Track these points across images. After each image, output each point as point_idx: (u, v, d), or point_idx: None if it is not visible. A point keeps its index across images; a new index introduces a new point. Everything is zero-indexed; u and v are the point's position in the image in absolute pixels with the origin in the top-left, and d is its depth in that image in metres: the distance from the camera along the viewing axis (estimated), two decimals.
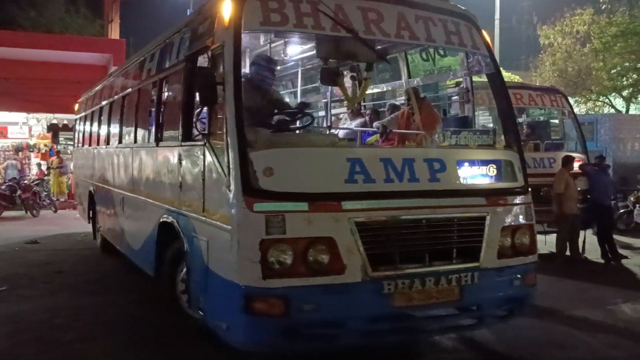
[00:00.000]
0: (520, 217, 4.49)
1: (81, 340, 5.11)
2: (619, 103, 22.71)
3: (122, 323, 5.65)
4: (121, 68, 8.33)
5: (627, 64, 21.00)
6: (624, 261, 8.99)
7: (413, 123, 5.39)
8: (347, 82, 5.59)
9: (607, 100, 22.73)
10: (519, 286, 4.38)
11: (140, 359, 4.78)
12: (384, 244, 3.84)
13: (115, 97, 8.00)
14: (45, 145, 18.96)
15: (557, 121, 12.24)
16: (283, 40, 5.13)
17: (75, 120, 12.82)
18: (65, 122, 18.11)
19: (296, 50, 5.65)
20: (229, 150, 3.81)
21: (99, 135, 9.28)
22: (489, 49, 4.94)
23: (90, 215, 10.12)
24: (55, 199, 16.77)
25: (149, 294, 6.43)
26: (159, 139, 5.65)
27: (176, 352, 4.82)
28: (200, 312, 4.43)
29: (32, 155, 18.82)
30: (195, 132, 4.49)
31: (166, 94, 5.57)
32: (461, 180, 4.28)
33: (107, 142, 8.43)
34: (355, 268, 3.74)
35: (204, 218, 4.29)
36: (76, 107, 12.45)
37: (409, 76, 6.17)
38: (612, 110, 21.66)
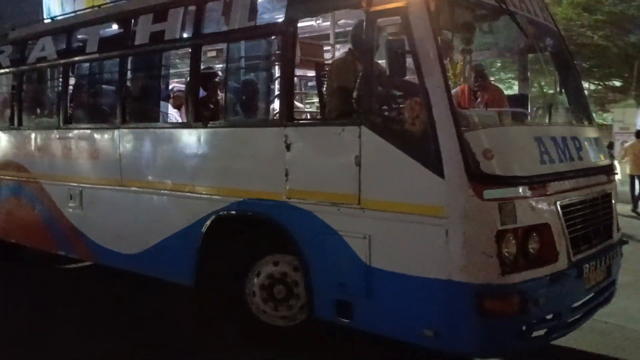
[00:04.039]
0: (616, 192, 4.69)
1: None
2: None
3: None
4: (52, 27, 6.49)
5: None
6: None
7: (476, 101, 5.25)
8: None
9: None
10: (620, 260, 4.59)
11: None
12: (576, 225, 3.70)
13: (43, 64, 6.33)
14: None
15: None
16: None
17: None
18: None
19: None
20: (440, 131, 3.26)
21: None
22: (556, 25, 5.01)
23: None
24: None
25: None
26: (205, 119, 4.63)
27: None
28: (345, 320, 3.81)
29: None
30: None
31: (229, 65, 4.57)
32: (591, 158, 4.31)
33: (19, 122, 6.66)
34: (564, 254, 3.54)
35: (361, 211, 3.64)
36: None
37: None
38: None
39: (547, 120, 4.38)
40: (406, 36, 3.41)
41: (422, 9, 3.37)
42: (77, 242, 6.00)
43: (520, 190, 3.37)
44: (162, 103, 5.29)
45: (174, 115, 5.49)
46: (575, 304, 3.70)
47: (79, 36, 6.00)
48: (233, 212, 4.43)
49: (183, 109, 5.53)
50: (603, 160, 4.56)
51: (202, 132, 4.64)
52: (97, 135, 5.68)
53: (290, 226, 4.04)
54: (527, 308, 3.27)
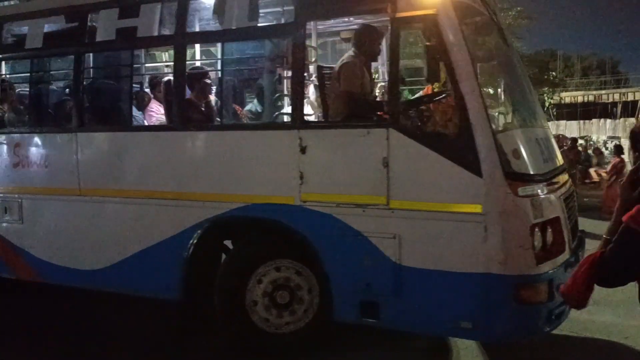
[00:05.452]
0: None
1: None
2: None
3: None
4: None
5: None
6: None
7: None
8: None
9: None
10: None
11: None
12: (569, 218, 4.09)
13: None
14: None
15: None
16: None
17: None
18: None
19: None
20: (477, 133, 3.45)
21: None
22: None
23: None
24: None
25: None
26: (195, 121, 4.42)
27: None
28: (371, 320, 3.86)
29: None
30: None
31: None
32: (559, 156, 4.75)
33: None
34: (567, 244, 3.88)
35: (389, 211, 3.71)
36: None
37: None
38: None
39: (527, 123, 4.76)
40: (437, 43, 3.55)
41: (452, 17, 3.53)
42: (14, 260, 5.36)
43: (542, 186, 3.67)
44: (131, 104, 4.89)
45: (139, 117, 5.12)
46: None
47: (18, 28, 5.37)
48: (233, 219, 4.26)
49: (148, 111, 5.20)
50: (562, 159, 5.07)
51: (193, 136, 4.40)
52: (45, 141, 5.11)
53: (304, 230, 3.99)
54: (552, 294, 3.57)
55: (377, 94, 4.51)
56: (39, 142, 5.14)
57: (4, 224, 5.35)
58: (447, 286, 3.60)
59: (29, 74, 5.34)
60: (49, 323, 5.15)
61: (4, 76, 5.44)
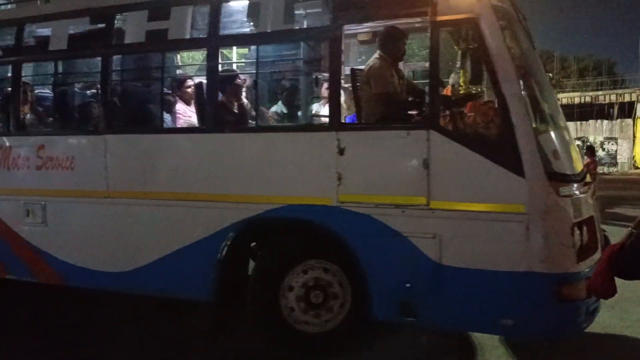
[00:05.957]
0: None
1: None
2: None
3: None
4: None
5: None
6: None
7: None
8: None
9: None
10: None
11: None
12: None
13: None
14: None
15: None
16: None
17: None
18: None
19: None
20: (519, 134, 3.50)
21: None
22: None
23: None
24: None
25: None
26: (228, 124, 4.44)
27: None
28: (409, 318, 3.90)
29: None
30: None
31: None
32: (579, 158, 4.77)
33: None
34: (599, 242, 3.95)
35: (430, 212, 3.76)
36: None
37: None
38: None
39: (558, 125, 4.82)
40: (478, 46, 3.61)
41: (492, 20, 3.59)
42: (37, 264, 5.32)
43: (579, 186, 3.74)
44: (162, 107, 4.89)
45: (168, 119, 5.12)
46: None
47: (37, 30, 5.36)
48: (268, 220, 4.28)
49: (173, 113, 5.20)
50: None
51: (228, 137, 4.42)
52: (71, 143, 5.09)
53: (342, 230, 4.02)
54: (589, 292, 3.63)
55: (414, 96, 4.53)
56: (64, 145, 5.12)
57: (26, 227, 5.32)
58: (488, 284, 3.65)
59: (52, 76, 5.33)
60: (57, 324, 5.17)
61: (24, 78, 5.40)
